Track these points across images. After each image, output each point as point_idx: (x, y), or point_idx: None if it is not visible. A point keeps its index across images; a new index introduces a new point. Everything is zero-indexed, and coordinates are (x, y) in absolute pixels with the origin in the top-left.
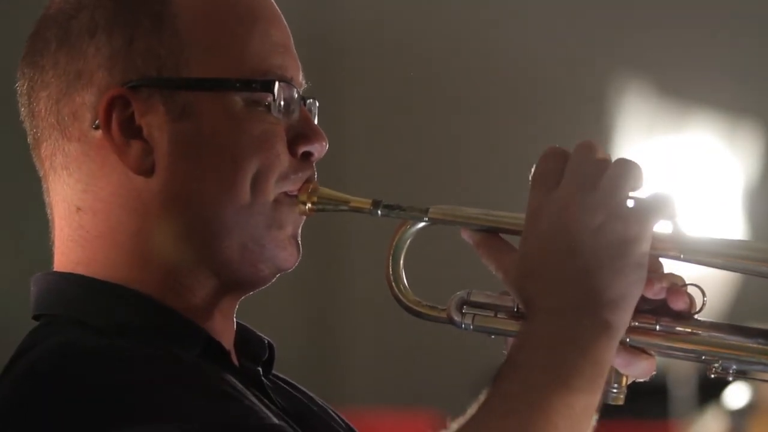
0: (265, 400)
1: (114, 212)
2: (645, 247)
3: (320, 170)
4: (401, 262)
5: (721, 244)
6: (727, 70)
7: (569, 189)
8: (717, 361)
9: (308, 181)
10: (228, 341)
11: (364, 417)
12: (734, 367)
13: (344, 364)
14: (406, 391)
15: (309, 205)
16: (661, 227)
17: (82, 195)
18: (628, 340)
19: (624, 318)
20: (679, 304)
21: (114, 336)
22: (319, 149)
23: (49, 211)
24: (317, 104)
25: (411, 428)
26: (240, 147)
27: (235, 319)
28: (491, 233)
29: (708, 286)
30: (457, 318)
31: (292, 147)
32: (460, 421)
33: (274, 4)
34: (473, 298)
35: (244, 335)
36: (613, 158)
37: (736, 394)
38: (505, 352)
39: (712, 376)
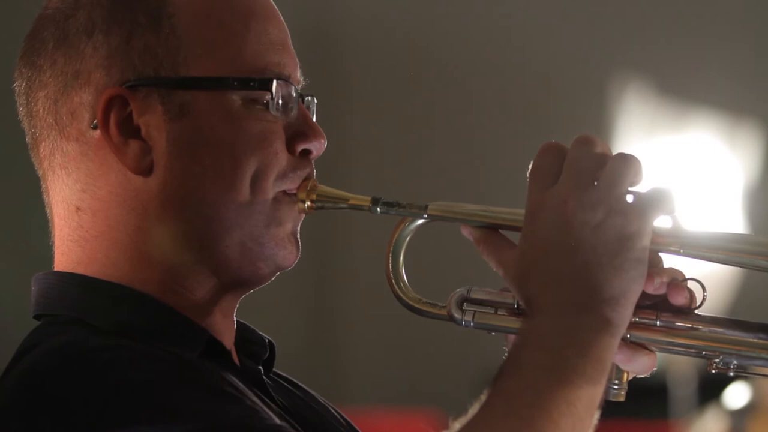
0: (266, 399)
1: (113, 212)
2: (645, 242)
3: (319, 168)
4: (401, 259)
5: (720, 239)
6: (727, 70)
7: (568, 185)
8: (718, 357)
9: (307, 178)
10: (228, 340)
11: (364, 417)
12: (735, 362)
13: (344, 364)
14: (406, 391)
15: (308, 202)
16: (661, 222)
17: (81, 195)
18: (628, 336)
19: (625, 315)
20: (679, 299)
21: (115, 336)
22: (317, 147)
23: (48, 211)
24: (316, 101)
25: (411, 428)
26: (238, 146)
27: (235, 318)
28: (491, 229)
29: (708, 280)
30: (457, 315)
31: (290, 145)
32: (462, 421)
33: (271, 1)
34: (473, 295)
35: (244, 334)
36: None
37: (736, 394)
38: (506, 349)
39: (713, 371)
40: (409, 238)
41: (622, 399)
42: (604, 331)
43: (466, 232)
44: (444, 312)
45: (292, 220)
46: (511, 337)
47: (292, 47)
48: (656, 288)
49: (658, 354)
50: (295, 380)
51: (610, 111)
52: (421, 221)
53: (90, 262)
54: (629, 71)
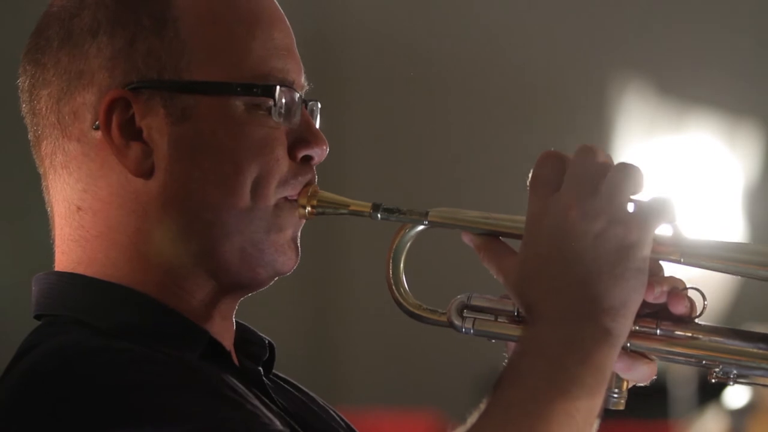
0: (266, 401)
1: (113, 212)
2: (646, 251)
3: (320, 173)
4: (401, 265)
5: (721, 248)
6: (727, 70)
7: (569, 194)
8: (717, 366)
9: (308, 184)
10: (228, 342)
11: (364, 417)
12: (735, 371)
13: (344, 364)
14: (406, 391)
15: (309, 208)
16: (662, 230)
17: (82, 194)
18: (628, 344)
19: (625, 325)
20: (679, 308)
21: (115, 337)
22: (319, 153)
23: (49, 210)
24: (319, 106)
25: (411, 428)
26: (240, 151)
27: (234, 319)
28: (492, 236)
29: (707, 286)
30: (457, 322)
31: (292, 151)
32: (461, 429)
33: (278, 5)
34: (474, 302)
35: (244, 335)
36: (614, 159)
37: (736, 394)
38: (506, 355)
39: (713, 380)
40: (410, 244)
41: (621, 407)
42: (603, 341)
43: (466, 238)
44: (444, 319)
45: (293, 226)
46: (512, 345)
47: (297, 52)
48: (657, 297)
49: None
50: (295, 382)
51: (610, 111)
52: (421, 227)
53: (90, 263)
54: (629, 71)
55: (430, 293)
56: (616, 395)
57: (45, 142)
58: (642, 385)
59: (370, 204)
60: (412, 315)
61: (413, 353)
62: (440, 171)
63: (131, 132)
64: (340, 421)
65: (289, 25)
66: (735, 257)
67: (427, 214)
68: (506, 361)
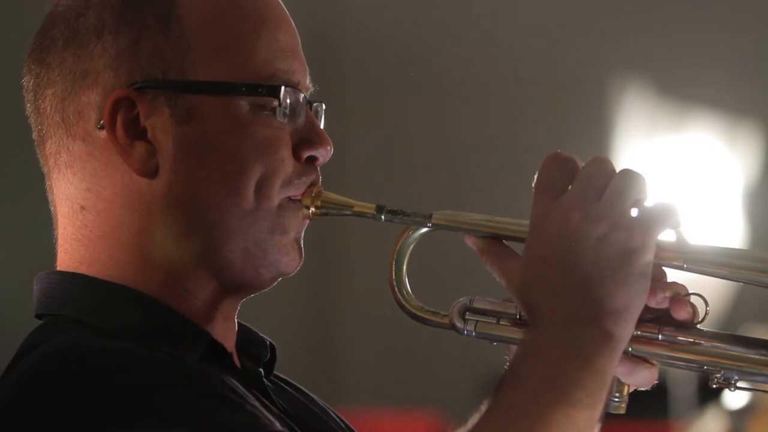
0: (266, 402)
1: (117, 212)
2: (648, 257)
3: (324, 174)
4: (404, 267)
5: (724, 254)
6: (727, 70)
7: (573, 197)
8: (719, 372)
9: (312, 184)
10: (229, 343)
11: (364, 417)
12: (736, 377)
13: (344, 365)
14: (406, 392)
15: (313, 209)
16: (665, 236)
17: (86, 194)
18: (630, 349)
19: (627, 329)
20: (681, 314)
21: (116, 337)
22: (323, 154)
23: (52, 209)
24: (324, 107)
25: (411, 429)
26: (244, 151)
27: (236, 320)
28: (495, 239)
29: (707, 288)
30: (459, 324)
31: (296, 151)
32: (461, 431)
33: (283, 6)
34: (476, 305)
35: (245, 336)
36: (614, 162)
37: (736, 395)
38: (507, 358)
39: (714, 386)
40: (413, 246)
41: (622, 411)
42: (605, 346)
43: (470, 241)
44: (446, 321)
45: (297, 227)
46: (513, 347)
47: (302, 53)
48: (659, 302)
49: None
50: (295, 383)
51: (610, 111)
52: (424, 230)
53: (93, 262)
54: (629, 71)
55: (432, 295)
56: (617, 399)
57: (49, 141)
58: (643, 389)
59: (374, 205)
60: (414, 317)
61: (414, 354)
62: (440, 171)
63: (136, 131)
64: (340, 423)
65: (294, 27)
66: (738, 264)
67: (430, 216)
68: (508, 363)
